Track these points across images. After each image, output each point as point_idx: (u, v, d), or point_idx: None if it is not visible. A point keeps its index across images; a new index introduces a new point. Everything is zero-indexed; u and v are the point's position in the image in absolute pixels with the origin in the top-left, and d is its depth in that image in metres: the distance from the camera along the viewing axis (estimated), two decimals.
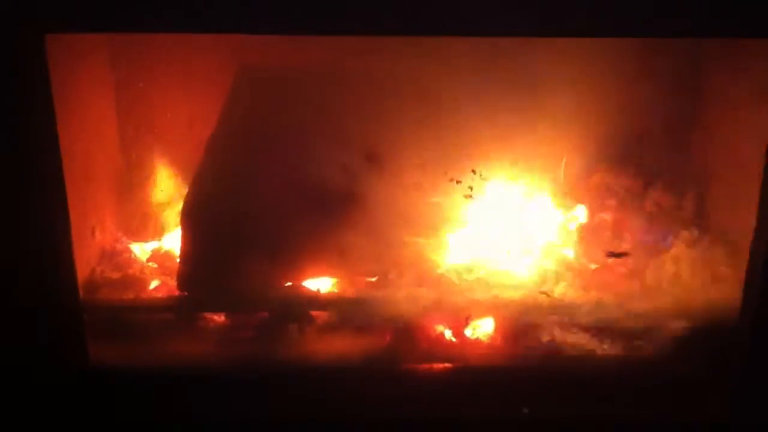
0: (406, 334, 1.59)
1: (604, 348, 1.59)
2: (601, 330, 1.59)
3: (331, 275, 1.67)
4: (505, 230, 1.73)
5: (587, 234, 1.76)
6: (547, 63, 1.70)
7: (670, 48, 1.78)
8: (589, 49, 1.69)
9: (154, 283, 1.72)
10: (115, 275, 1.72)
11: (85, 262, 1.69)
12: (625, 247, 1.72)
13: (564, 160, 1.79)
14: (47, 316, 1.49)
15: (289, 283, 1.65)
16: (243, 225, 1.59)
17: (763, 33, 1.36)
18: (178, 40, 1.73)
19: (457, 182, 1.61)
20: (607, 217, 1.81)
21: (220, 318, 1.65)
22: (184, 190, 1.71)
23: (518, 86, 1.68)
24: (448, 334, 1.61)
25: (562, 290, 1.65)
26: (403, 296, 1.60)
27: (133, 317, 1.63)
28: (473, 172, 1.62)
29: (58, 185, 1.46)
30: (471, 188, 1.62)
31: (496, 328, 1.62)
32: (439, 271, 1.67)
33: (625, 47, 1.73)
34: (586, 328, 1.59)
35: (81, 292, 1.56)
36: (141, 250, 1.83)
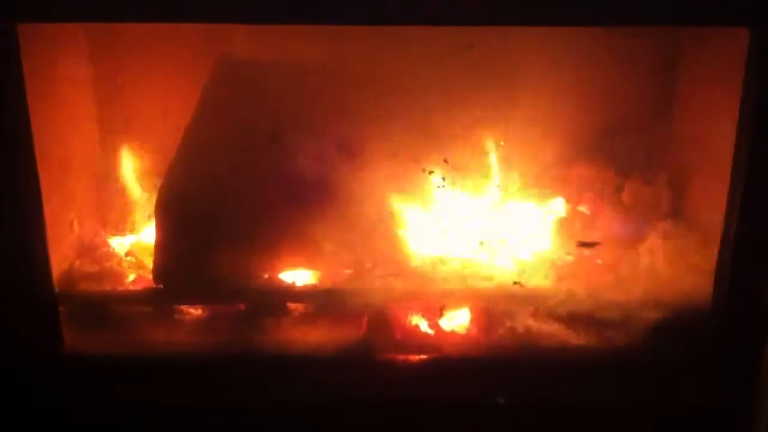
0: (382, 324, 1.60)
1: (579, 338, 1.59)
2: (575, 320, 1.60)
3: (307, 267, 1.67)
4: (480, 221, 1.73)
5: (563, 225, 1.77)
6: (521, 53, 1.71)
7: (646, 39, 1.79)
8: (563, 39, 1.70)
9: (131, 277, 1.72)
10: (94, 269, 1.72)
11: (64, 256, 1.69)
12: (597, 237, 1.72)
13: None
14: (22, 309, 1.50)
15: (266, 275, 1.65)
16: (218, 217, 1.59)
17: (733, 21, 1.38)
18: (158, 33, 1.74)
19: (430, 172, 1.62)
20: (584, 208, 1.82)
21: (196, 310, 1.65)
22: None
23: (492, 77, 1.69)
24: (423, 324, 1.62)
25: (536, 281, 1.65)
26: (378, 287, 1.61)
27: (110, 310, 1.63)
28: (445, 162, 1.63)
29: (32, 178, 1.46)
30: (444, 179, 1.63)
31: (471, 318, 1.63)
32: (414, 262, 1.68)
33: (601, 37, 1.74)
34: (559, 318, 1.60)
35: (59, 286, 1.58)
36: (120, 244, 1.83)
